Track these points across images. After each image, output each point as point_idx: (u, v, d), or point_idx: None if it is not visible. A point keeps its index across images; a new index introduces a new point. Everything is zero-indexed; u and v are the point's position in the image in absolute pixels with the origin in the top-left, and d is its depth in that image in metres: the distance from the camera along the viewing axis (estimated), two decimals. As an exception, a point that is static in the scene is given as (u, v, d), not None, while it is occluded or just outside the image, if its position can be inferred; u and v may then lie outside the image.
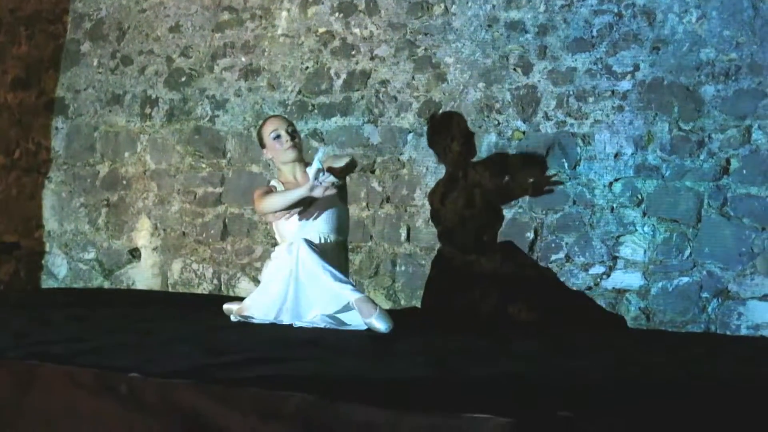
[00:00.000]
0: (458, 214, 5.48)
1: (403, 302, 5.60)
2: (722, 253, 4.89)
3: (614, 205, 5.12)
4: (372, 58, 5.78)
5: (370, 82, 5.78)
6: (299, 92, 5.98)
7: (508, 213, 5.36)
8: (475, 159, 5.46)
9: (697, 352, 4.12)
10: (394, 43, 5.72)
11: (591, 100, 5.20)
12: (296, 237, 4.61)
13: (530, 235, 5.30)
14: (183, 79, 6.35)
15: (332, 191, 4.50)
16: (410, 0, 5.68)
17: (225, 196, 6.19)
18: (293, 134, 4.82)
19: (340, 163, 4.70)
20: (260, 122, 5.14)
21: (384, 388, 2.94)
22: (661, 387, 3.17)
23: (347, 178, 4.91)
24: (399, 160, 5.66)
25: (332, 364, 3.42)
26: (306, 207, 4.65)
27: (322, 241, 4.67)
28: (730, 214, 4.89)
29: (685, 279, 4.96)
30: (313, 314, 4.44)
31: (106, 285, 6.52)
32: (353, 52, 5.84)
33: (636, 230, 5.07)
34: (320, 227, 4.70)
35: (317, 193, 4.48)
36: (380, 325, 4.28)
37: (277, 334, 4.22)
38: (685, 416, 2.79)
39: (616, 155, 5.13)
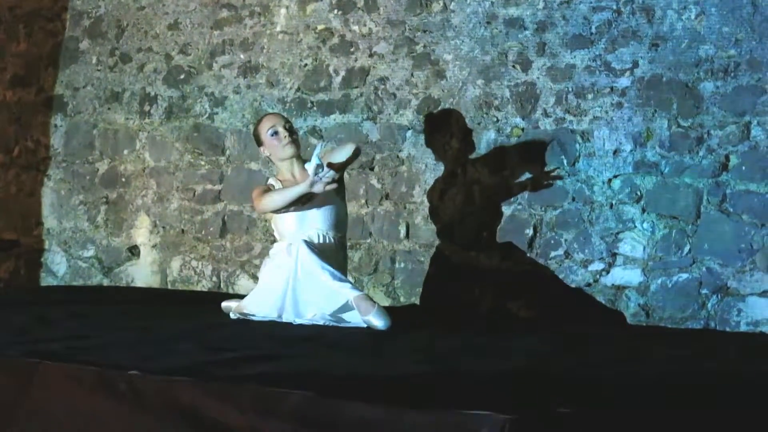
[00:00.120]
0: (457, 210, 5.48)
1: (402, 299, 5.60)
2: (721, 249, 4.89)
3: (613, 202, 5.12)
4: (371, 55, 5.78)
5: (369, 79, 5.77)
6: (298, 89, 5.98)
7: (507, 210, 5.36)
8: (474, 156, 5.46)
9: (696, 349, 4.12)
10: (393, 40, 5.72)
11: (590, 96, 5.20)
12: (295, 235, 4.61)
13: (529, 231, 5.31)
14: (182, 76, 6.35)
15: (333, 186, 4.51)
16: (409, -3, 5.69)
17: (224, 193, 6.19)
18: (291, 130, 4.82)
19: (344, 152, 4.69)
20: (257, 120, 5.13)
21: (383, 385, 2.94)
22: (660, 383, 3.17)
23: (346, 175, 4.91)
24: (398, 157, 5.66)
25: (331, 361, 3.43)
26: (304, 204, 4.64)
27: (321, 237, 4.66)
28: (730, 210, 4.89)
29: (685, 275, 4.96)
30: (312, 312, 4.44)
31: (106, 282, 6.52)
32: (352, 49, 5.84)
33: (635, 227, 5.07)
34: (319, 224, 4.69)
35: (317, 189, 4.48)
36: (378, 322, 4.28)
37: (277, 332, 4.22)
38: (684, 413, 2.79)
39: (615, 152, 5.13)
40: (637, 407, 2.76)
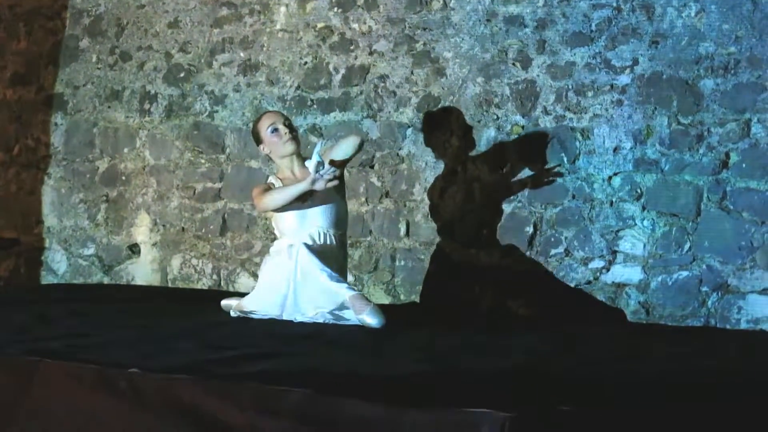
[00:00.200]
0: (457, 208, 5.48)
1: (402, 297, 5.60)
2: (722, 247, 4.89)
3: (613, 200, 5.12)
4: (371, 53, 5.78)
5: (368, 77, 5.77)
6: (298, 87, 5.98)
7: (507, 207, 5.36)
8: (474, 153, 5.46)
9: (696, 347, 4.12)
10: (393, 38, 5.72)
11: (590, 94, 5.20)
12: (296, 233, 4.62)
13: (529, 229, 5.30)
14: (182, 74, 6.35)
15: (334, 183, 4.51)
16: (409, -5, 5.68)
17: (224, 191, 6.19)
18: (290, 127, 4.82)
19: (346, 145, 4.68)
20: (255, 118, 5.13)
21: (383, 384, 2.94)
22: (660, 381, 3.17)
23: (346, 173, 4.91)
24: (398, 155, 5.66)
25: (331, 359, 3.43)
26: (305, 202, 4.64)
27: (322, 235, 4.66)
28: (730, 207, 4.89)
29: (685, 273, 4.96)
30: (313, 311, 4.45)
31: (106, 281, 6.52)
32: (352, 47, 5.84)
33: (635, 224, 5.07)
34: (319, 221, 4.69)
35: (319, 186, 4.48)
36: (371, 320, 4.29)
37: (277, 330, 4.22)
38: (684, 410, 2.79)
39: (615, 149, 5.13)
40: (637, 405, 2.76)
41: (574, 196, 5.21)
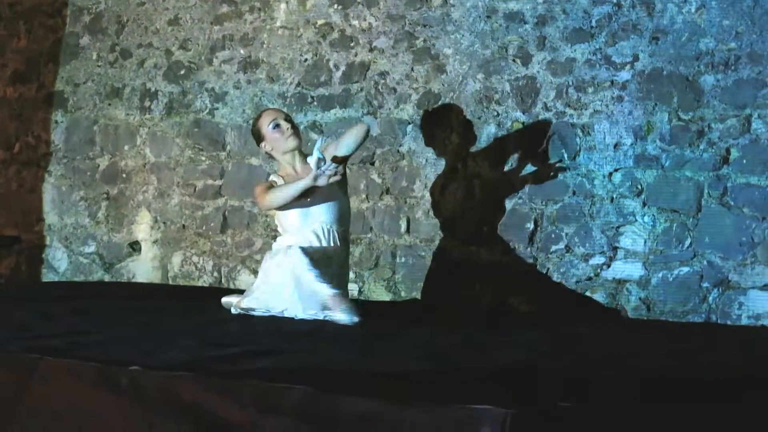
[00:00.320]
0: (458, 205, 5.48)
1: (403, 294, 5.60)
2: (722, 242, 4.89)
3: (614, 196, 5.12)
4: (371, 50, 5.78)
5: (369, 74, 5.77)
6: (298, 84, 5.98)
7: (507, 204, 5.36)
8: (474, 150, 5.46)
9: (697, 343, 4.12)
10: (393, 35, 5.72)
11: (590, 90, 5.19)
12: (299, 230, 4.63)
13: (530, 225, 5.30)
14: (182, 72, 6.35)
15: (336, 178, 4.51)
16: (409, -9, 5.68)
17: (225, 188, 6.19)
18: (291, 123, 4.82)
19: (350, 136, 4.68)
20: (254, 117, 5.11)
21: (384, 381, 2.94)
22: (661, 378, 3.17)
23: (347, 170, 4.91)
24: (398, 151, 5.66)
25: (332, 356, 3.43)
26: (307, 198, 4.64)
27: (325, 231, 4.66)
28: (731, 203, 4.89)
29: (686, 269, 4.96)
30: (301, 313, 4.46)
31: (107, 278, 6.52)
32: (352, 44, 5.83)
33: (636, 220, 5.07)
34: (322, 217, 4.68)
35: (321, 182, 4.48)
36: (343, 316, 4.30)
37: (278, 327, 4.22)
38: (685, 407, 2.79)
39: (615, 145, 5.13)
40: (637, 402, 2.76)
41: (574, 192, 5.21)
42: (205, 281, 6.21)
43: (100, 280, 6.53)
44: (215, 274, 6.19)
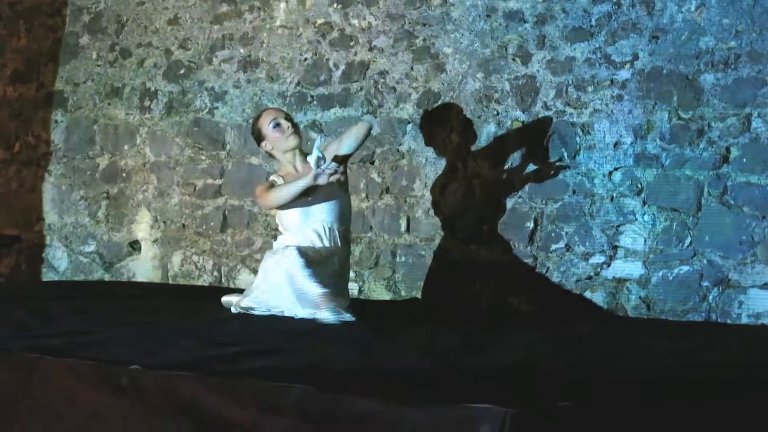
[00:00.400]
0: (458, 204, 5.48)
1: (403, 293, 5.60)
2: (722, 241, 4.89)
3: (614, 195, 5.12)
4: (371, 49, 5.78)
5: (368, 73, 5.77)
6: (298, 84, 5.98)
7: (507, 203, 5.36)
8: (474, 149, 5.45)
9: (697, 342, 4.12)
10: (393, 34, 5.72)
11: (590, 89, 5.19)
12: (301, 229, 4.63)
13: (530, 224, 5.30)
14: (182, 71, 6.35)
15: (336, 177, 4.51)
16: (409, -10, 5.68)
17: (225, 187, 6.19)
18: (291, 121, 4.82)
19: (352, 134, 4.69)
20: (254, 117, 5.11)
21: (384, 380, 2.94)
22: (661, 377, 3.17)
23: (348, 169, 4.90)
24: (398, 150, 5.66)
25: (332, 356, 3.43)
26: (308, 197, 4.63)
27: (326, 230, 4.66)
28: (731, 202, 4.89)
29: (686, 268, 4.96)
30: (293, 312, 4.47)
31: (107, 277, 6.52)
32: (352, 43, 5.83)
33: (636, 219, 5.07)
34: (323, 216, 4.68)
35: (322, 180, 4.48)
36: (328, 316, 4.32)
37: (277, 326, 4.22)
38: (685, 406, 2.79)
39: (615, 144, 5.13)
40: (637, 401, 2.76)
41: (574, 192, 5.20)
42: (205, 280, 6.21)
43: (100, 279, 6.53)
44: (215, 273, 6.19)
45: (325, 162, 4.49)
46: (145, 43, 6.47)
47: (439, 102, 5.55)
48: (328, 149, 4.67)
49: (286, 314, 4.49)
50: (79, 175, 6.64)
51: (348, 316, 4.34)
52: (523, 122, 5.34)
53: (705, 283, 4.92)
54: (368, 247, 5.71)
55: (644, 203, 5.06)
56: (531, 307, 5.24)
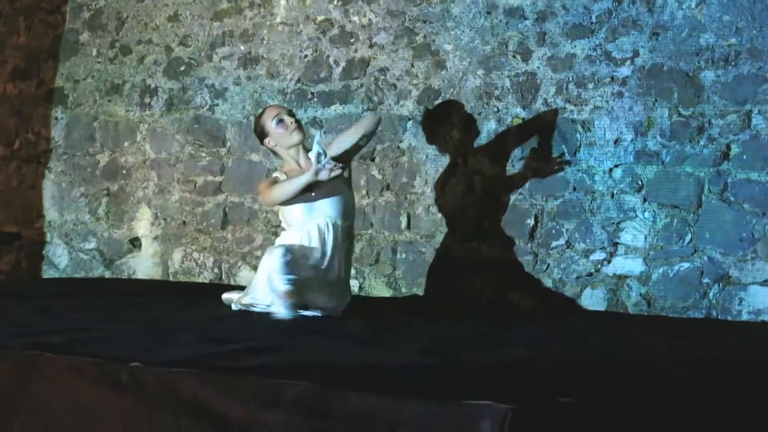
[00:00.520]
0: (458, 201, 5.48)
1: (404, 290, 5.60)
2: (723, 238, 4.89)
3: (614, 191, 5.12)
4: (371, 46, 5.78)
5: (369, 69, 5.77)
6: (298, 80, 5.98)
7: (508, 200, 5.36)
8: (474, 146, 5.45)
9: (698, 338, 4.12)
10: (393, 31, 5.71)
11: (590, 86, 5.19)
12: (304, 225, 4.61)
13: (530, 221, 5.30)
14: (182, 68, 6.34)
15: (337, 172, 4.50)
16: (409, -13, 5.68)
17: (225, 184, 6.19)
18: (294, 117, 4.81)
19: (358, 127, 4.70)
20: (256, 114, 5.10)
21: (384, 376, 2.94)
22: (661, 373, 3.17)
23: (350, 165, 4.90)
24: (399, 147, 5.66)
25: (332, 352, 3.42)
26: (311, 193, 4.62)
27: (329, 227, 4.64)
28: (731, 199, 4.89)
29: (686, 265, 4.96)
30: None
31: (107, 275, 6.53)
32: (352, 40, 5.83)
33: (636, 216, 5.07)
34: (327, 212, 4.66)
35: (323, 176, 4.48)
36: (277, 310, 4.36)
37: (278, 323, 4.22)
38: (685, 403, 2.79)
39: (616, 141, 5.13)
40: (637, 397, 2.76)
41: (575, 188, 5.20)
42: (205, 277, 6.21)
43: (100, 276, 6.53)
44: (216, 270, 6.19)
45: (325, 157, 4.49)
46: (145, 40, 6.47)
47: (439, 99, 5.54)
48: (336, 141, 4.68)
49: (266, 310, 4.49)
50: (79, 172, 6.64)
51: (312, 313, 4.39)
52: (523, 119, 5.34)
53: (705, 280, 4.92)
54: (369, 244, 5.71)
55: (645, 200, 5.06)
56: (531, 303, 5.24)
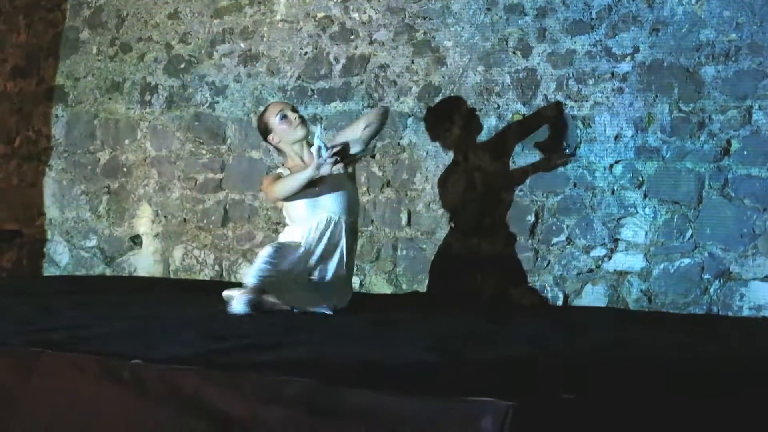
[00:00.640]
0: (459, 197, 5.48)
1: (404, 286, 5.60)
2: (723, 234, 4.89)
3: (615, 187, 5.11)
4: (371, 43, 5.77)
5: (369, 66, 5.77)
6: (298, 77, 5.98)
7: (508, 196, 5.36)
8: (475, 142, 5.45)
9: (698, 334, 4.12)
10: (393, 28, 5.71)
11: (591, 82, 5.19)
12: (307, 221, 4.60)
13: (531, 218, 5.30)
14: (182, 65, 6.34)
15: (339, 166, 4.50)
16: (409, -16, 5.68)
17: (225, 182, 6.19)
18: (297, 112, 4.80)
19: (363, 121, 4.71)
20: (259, 111, 5.09)
21: (385, 373, 2.94)
22: (662, 369, 3.17)
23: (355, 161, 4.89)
24: (399, 144, 5.66)
25: (334, 349, 3.42)
26: (315, 188, 4.62)
27: (333, 222, 4.63)
28: (731, 195, 4.88)
29: (687, 260, 4.96)
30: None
31: (108, 272, 6.53)
32: (352, 37, 5.83)
33: (637, 212, 5.06)
34: (331, 207, 4.64)
35: (325, 170, 4.47)
36: (234, 306, 4.38)
37: (278, 320, 4.22)
38: (686, 398, 2.79)
39: (616, 137, 5.12)
40: (639, 393, 2.76)
41: (575, 185, 5.20)
42: (206, 275, 6.21)
43: (101, 274, 6.54)
44: (216, 267, 6.19)
45: (327, 151, 4.49)
46: (145, 37, 6.47)
47: (440, 96, 5.54)
48: (340, 135, 4.69)
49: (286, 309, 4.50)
50: (79, 169, 6.64)
51: (274, 305, 4.45)
52: (523, 115, 5.34)
53: (706, 276, 4.92)
54: (369, 240, 5.71)
55: (645, 196, 5.05)
56: (532, 299, 5.24)
